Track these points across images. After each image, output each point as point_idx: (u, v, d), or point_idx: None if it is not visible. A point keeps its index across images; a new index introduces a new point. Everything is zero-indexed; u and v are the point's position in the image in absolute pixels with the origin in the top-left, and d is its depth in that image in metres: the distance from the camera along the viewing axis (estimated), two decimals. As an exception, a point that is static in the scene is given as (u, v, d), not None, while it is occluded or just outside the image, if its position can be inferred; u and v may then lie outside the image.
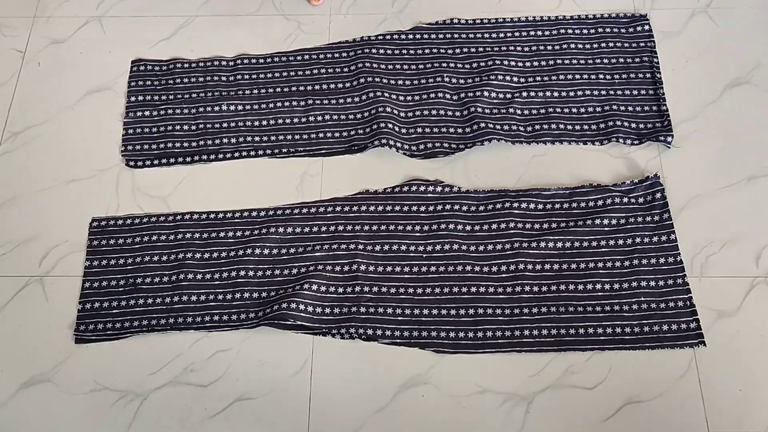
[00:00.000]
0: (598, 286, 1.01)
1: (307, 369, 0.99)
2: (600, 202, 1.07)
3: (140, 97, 1.21)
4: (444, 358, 0.98)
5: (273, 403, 0.97)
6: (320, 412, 0.96)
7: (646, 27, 1.23)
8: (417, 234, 1.07)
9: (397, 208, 1.09)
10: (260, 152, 1.15)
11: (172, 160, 1.15)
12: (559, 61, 1.21)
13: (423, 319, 1.00)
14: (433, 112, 1.17)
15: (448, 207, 1.08)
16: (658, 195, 1.07)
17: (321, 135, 1.16)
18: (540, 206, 1.07)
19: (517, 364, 0.98)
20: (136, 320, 1.02)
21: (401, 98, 1.19)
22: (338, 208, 1.09)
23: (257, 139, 1.16)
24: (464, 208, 1.08)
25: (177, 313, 1.02)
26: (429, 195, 1.09)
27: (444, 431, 0.95)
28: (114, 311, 1.03)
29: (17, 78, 1.24)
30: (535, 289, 1.01)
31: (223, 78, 1.23)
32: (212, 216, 1.09)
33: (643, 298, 1.00)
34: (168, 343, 1.01)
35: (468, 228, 1.07)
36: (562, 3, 1.28)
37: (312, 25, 1.28)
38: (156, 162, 1.15)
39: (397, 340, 0.99)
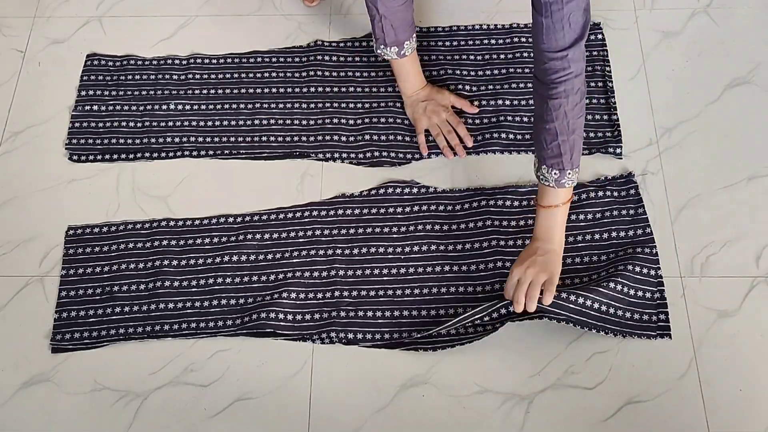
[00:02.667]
0: (576, 281, 1.01)
1: (307, 369, 0.99)
2: (575, 198, 1.07)
3: (90, 92, 1.21)
4: (444, 358, 0.98)
5: (273, 403, 0.97)
6: (320, 412, 0.96)
7: (599, 36, 1.22)
8: (395, 236, 1.06)
9: (374, 210, 1.09)
10: (203, 153, 1.16)
11: (114, 156, 1.15)
12: (511, 70, 1.20)
13: (403, 321, 1.00)
14: (382, 119, 1.17)
15: (425, 207, 1.08)
16: (632, 191, 1.08)
17: (264, 138, 1.16)
18: (516, 203, 1.08)
19: (517, 364, 0.98)
20: (113, 329, 1.01)
21: (351, 105, 1.19)
22: (315, 213, 1.09)
23: (200, 139, 1.17)
24: (441, 207, 1.08)
25: (154, 321, 1.01)
26: (406, 196, 1.09)
27: (444, 431, 0.95)
28: (90, 320, 1.02)
29: (17, 78, 1.24)
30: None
31: (174, 77, 1.23)
32: (188, 223, 1.09)
33: (615, 281, 0.98)
34: (167, 343, 1.01)
35: (445, 228, 1.07)
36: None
37: (312, 25, 1.28)
38: (99, 157, 1.15)
39: (378, 343, 0.99)
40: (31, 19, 1.31)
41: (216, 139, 1.17)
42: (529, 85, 1.18)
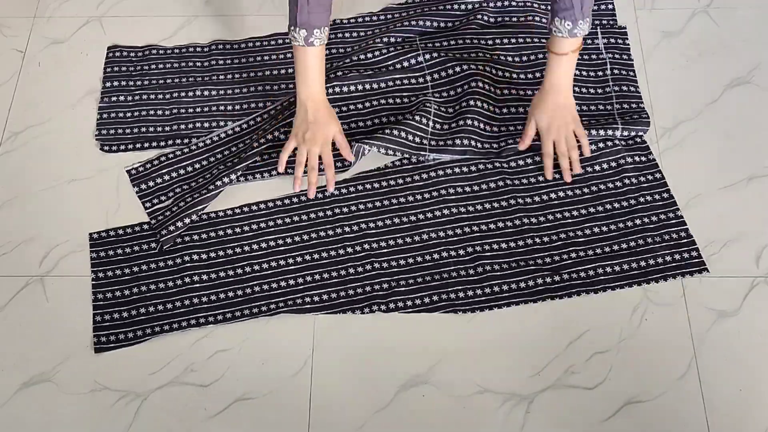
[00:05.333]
0: (596, 230, 1.05)
1: (307, 369, 0.99)
2: (590, 170, 1.10)
3: (116, 83, 1.23)
4: (444, 357, 0.98)
5: (273, 403, 0.97)
6: (320, 412, 0.96)
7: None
8: (417, 203, 1.08)
9: (392, 182, 1.11)
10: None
11: (146, 145, 1.16)
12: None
13: (434, 283, 1.03)
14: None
15: (441, 173, 1.10)
16: (639, 139, 1.12)
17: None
18: (529, 160, 1.11)
19: (517, 364, 0.98)
20: (150, 328, 1.01)
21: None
22: (336, 192, 1.10)
23: (230, 123, 1.18)
24: (456, 170, 1.10)
25: (191, 316, 1.02)
26: (422, 165, 1.12)
27: (444, 431, 0.95)
28: (126, 321, 1.02)
29: (17, 78, 1.24)
30: (537, 240, 1.05)
31: (198, 64, 1.24)
32: (212, 215, 1.09)
33: (643, 234, 1.04)
34: (168, 343, 1.01)
35: (466, 189, 1.09)
36: None
37: (312, 25, 1.28)
38: (130, 146, 1.16)
39: (419, 308, 1.01)
40: (31, 19, 1.31)
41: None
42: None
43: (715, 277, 1.03)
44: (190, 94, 1.21)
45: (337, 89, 1.16)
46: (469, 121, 1.12)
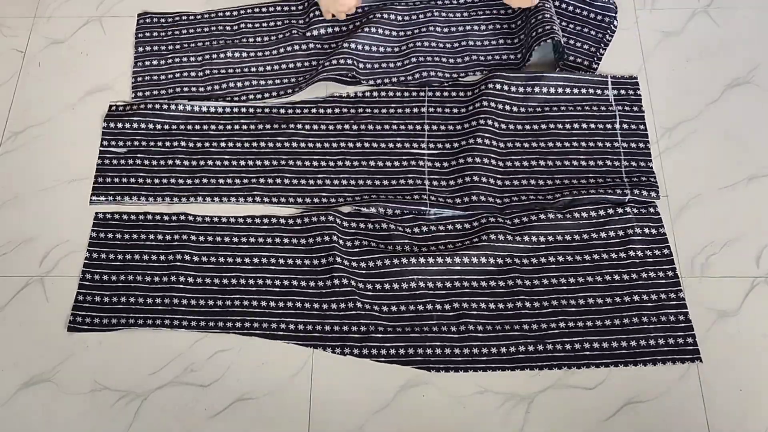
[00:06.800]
0: (590, 301, 1.01)
1: (307, 369, 0.99)
2: (594, 213, 1.05)
3: (147, 48, 1.26)
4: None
5: (273, 403, 0.97)
6: (321, 411, 0.96)
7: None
8: (411, 250, 1.05)
9: (392, 226, 1.07)
10: (266, 95, 1.21)
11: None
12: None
13: (413, 335, 1.00)
14: (425, 44, 1.22)
15: (441, 227, 1.07)
16: (652, 210, 1.06)
17: (324, 75, 1.20)
18: (533, 217, 1.06)
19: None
20: (128, 318, 1.02)
21: (394, 33, 1.22)
22: (337, 221, 1.07)
23: (262, 82, 1.22)
24: (458, 226, 1.07)
25: (166, 315, 1.02)
26: (420, 217, 1.08)
27: (444, 431, 0.95)
28: (107, 306, 1.03)
29: (17, 78, 1.24)
30: (527, 304, 1.01)
31: (228, 28, 1.27)
32: (215, 219, 1.09)
33: (639, 312, 0.99)
34: (168, 343, 1.01)
35: (466, 242, 1.06)
36: None
37: (312, 25, 1.29)
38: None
39: (392, 359, 0.99)
40: (31, 19, 1.31)
41: (278, 81, 1.21)
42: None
43: (715, 277, 1.03)
44: (221, 56, 1.24)
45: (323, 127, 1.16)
46: (476, 177, 1.09)
